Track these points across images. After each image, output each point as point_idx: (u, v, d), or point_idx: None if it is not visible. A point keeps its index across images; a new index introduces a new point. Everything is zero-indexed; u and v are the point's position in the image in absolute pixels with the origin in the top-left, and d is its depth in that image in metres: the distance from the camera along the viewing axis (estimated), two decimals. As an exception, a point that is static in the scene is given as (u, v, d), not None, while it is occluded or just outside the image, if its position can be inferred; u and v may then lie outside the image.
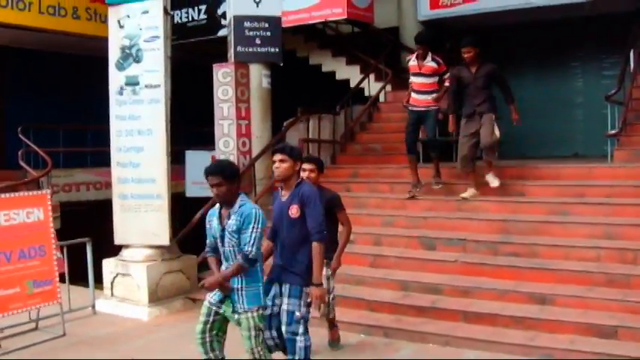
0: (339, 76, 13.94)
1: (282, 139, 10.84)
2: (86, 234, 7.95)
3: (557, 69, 15.21)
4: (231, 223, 4.61)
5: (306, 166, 5.76)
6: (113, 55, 8.13)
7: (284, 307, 5.01)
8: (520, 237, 7.70)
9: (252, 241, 4.55)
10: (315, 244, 4.93)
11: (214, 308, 4.78)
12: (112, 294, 8.21)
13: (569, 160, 11.29)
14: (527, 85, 15.36)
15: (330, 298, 6.08)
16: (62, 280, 7.39)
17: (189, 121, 13.58)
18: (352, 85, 13.28)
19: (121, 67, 8.05)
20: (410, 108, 9.24)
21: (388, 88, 13.00)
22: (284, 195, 5.10)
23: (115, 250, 8.44)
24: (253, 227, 4.56)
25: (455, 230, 8.06)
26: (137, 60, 7.97)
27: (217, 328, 4.84)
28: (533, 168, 9.31)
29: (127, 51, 8.00)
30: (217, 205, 4.82)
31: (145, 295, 7.86)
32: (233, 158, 9.49)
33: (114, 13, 8.16)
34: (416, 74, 9.12)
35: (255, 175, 9.74)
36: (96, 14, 13.31)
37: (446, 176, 9.22)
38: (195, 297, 8.22)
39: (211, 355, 4.85)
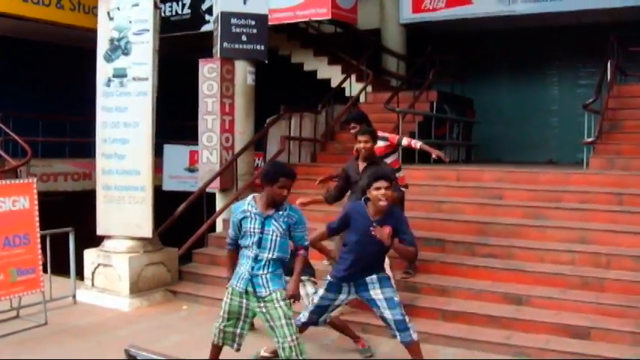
0: (320, 76, 14.06)
1: (265, 136, 10.95)
2: (63, 225, 7.93)
3: (533, 76, 15.53)
4: (282, 214, 4.95)
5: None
6: (102, 46, 8.12)
7: (380, 296, 5.35)
8: (497, 239, 7.89)
9: (307, 236, 5.12)
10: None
11: (244, 304, 5.00)
12: (93, 284, 8.22)
13: (545, 166, 11.51)
14: (503, 92, 15.69)
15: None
16: (43, 269, 7.41)
17: (167, 115, 13.62)
18: (333, 84, 13.43)
19: (109, 58, 8.05)
20: None
21: (369, 89, 13.19)
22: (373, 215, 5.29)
23: (93, 242, 8.44)
24: (305, 226, 5.08)
25: (434, 231, 8.20)
26: (126, 52, 7.99)
27: (247, 328, 5.17)
28: (511, 172, 9.51)
29: (116, 43, 8.01)
30: (247, 199, 5.08)
31: (126, 286, 7.89)
32: (216, 153, 9.57)
33: (104, 5, 8.14)
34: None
35: (238, 171, 9.81)
36: (80, 5, 13.30)
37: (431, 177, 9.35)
38: (175, 289, 8.29)
39: (237, 347, 5.16)
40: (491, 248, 7.72)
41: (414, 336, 5.28)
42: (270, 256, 4.92)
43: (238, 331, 5.10)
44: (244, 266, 4.98)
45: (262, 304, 4.93)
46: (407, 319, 5.30)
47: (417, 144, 7.45)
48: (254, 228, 4.93)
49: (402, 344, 5.36)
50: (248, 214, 4.97)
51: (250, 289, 4.93)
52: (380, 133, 7.05)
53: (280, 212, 4.96)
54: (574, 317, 6.37)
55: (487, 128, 14.50)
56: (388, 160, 7.19)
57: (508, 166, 11.01)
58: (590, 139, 9.62)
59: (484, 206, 8.62)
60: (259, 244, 4.92)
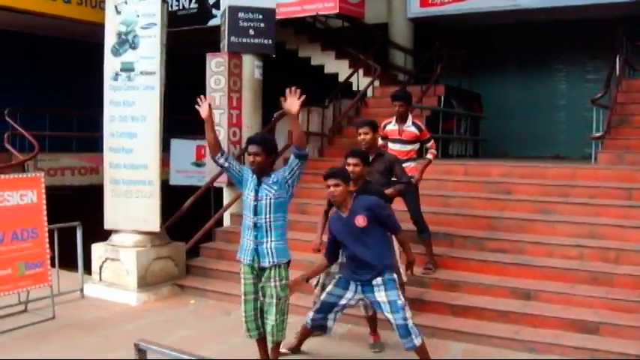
0: (327, 70, 14.03)
1: (272, 130, 10.92)
2: (70, 219, 7.94)
3: (541, 71, 15.46)
4: (271, 177, 5.08)
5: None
6: (109, 40, 8.11)
7: (384, 299, 5.28)
8: (505, 234, 7.87)
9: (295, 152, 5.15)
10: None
11: (256, 280, 5.15)
12: (100, 278, 8.24)
13: (553, 161, 11.47)
14: (511, 86, 15.63)
15: None
16: (51, 263, 7.41)
17: (174, 109, 13.63)
18: (340, 79, 13.39)
19: (116, 52, 8.05)
20: None
21: (376, 83, 13.14)
22: (344, 212, 5.32)
23: (100, 236, 8.46)
24: (291, 184, 5.17)
25: (442, 226, 8.16)
26: (133, 46, 7.98)
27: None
28: (518, 167, 9.47)
29: (124, 37, 8.01)
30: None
31: (133, 280, 7.90)
32: (223, 148, 9.54)
33: (111, -1, 8.16)
34: (394, 140, 7.50)
35: (245, 165, 9.78)
36: (87, -1, 13.28)
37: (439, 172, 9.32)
38: (183, 284, 8.29)
39: (261, 331, 5.23)
40: (499, 243, 7.70)
41: (417, 341, 5.19)
42: (267, 219, 5.08)
43: (258, 313, 5.20)
44: (247, 237, 5.16)
45: (263, 279, 5.11)
46: (410, 323, 5.21)
47: (432, 154, 7.63)
48: (249, 194, 5.11)
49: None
50: (249, 177, 5.18)
51: (256, 258, 5.09)
52: (417, 121, 7.56)
53: (272, 176, 5.11)
54: (583, 312, 6.35)
55: (494, 123, 14.45)
56: (409, 147, 7.40)
57: (516, 160, 10.97)
58: (598, 134, 9.58)
59: (492, 201, 8.59)
60: (255, 211, 5.09)
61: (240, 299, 5.31)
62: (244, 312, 5.22)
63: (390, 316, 5.25)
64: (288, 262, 5.23)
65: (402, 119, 7.44)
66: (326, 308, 5.54)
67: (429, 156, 7.63)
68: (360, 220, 5.24)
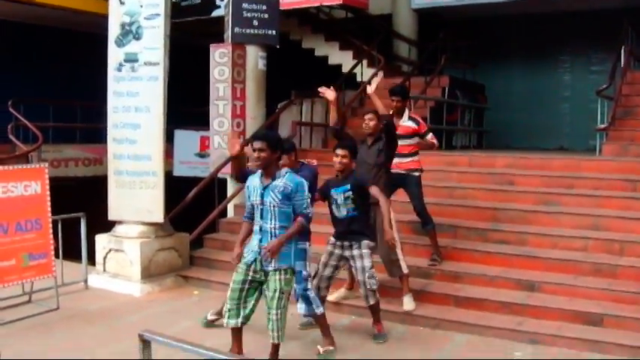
0: (331, 61, 14.02)
1: (276, 121, 10.92)
2: (74, 210, 7.95)
3: (545, 62, 15.42)
4: (278, 184, 5.00)
5: (339, 152, 6.04)
6: (113, 31, 8.10)
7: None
8: (509, 225, 7.87)
9: (309, 204, 5.15)
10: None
11: (251, 273, 5.13)
12: (104, 269, 8.25)
13: (557, 153, 11.46)
14: (515, 78, 15.60)
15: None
16: (55, 254, 7.42)
17: (177, 100, 13.64)
18: (344, 70, 13.37)
19: (120, 43, 8.03)
20: None
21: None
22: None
23: (103, 228, 8.46)
24: (305, 193, 5.10)
25: (446, 217, 8.16)
26: (137, 37, 7.96)
27: (252, 295, 5.22)
28: (523, 158, 9.46)
29: (127, 27, 7.98)
30: (258, 172, 5.17)
31: (137, 271, 7.91)
32: (227, 138, 9.55)
33: (115, -10, 8.14)
34: None
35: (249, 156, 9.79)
36: (90, -10, 13.24)
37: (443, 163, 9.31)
38: (186, 275, 8.31)
39: (242, 320, 5.23)
40: (503, 234, 7.70)
41: (317, 311, 5.73)
42: (271, 225, 5.05)
43: (242, 300, 5.18)
44: (254, 240, 5.17)
45: (266, 275, 5.10)
46: (311, 294, 5.74)
47: (433, 140, 7.58)
48: (256, 199, 5.10)
49: None
50: (252, 185, 5.16)
51: (258, 258, 5.09)
52: (414, 115, 7.53)
53: (276, 182, 5.03)
54: (587, 304, 6.34)
55: (499, 114, 14.42)
56: (408, 142, 7.33)
57: (520, 152, 10.96)
58: (603, 126, 9.58)
59: (496, 192, 8.59)
60: (261, 214, 5.09)
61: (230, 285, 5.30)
62: (229, 299, 5.21)
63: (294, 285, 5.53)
64: (292, 270, 5.19)
65: (399, 114, 7.38)
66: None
67: (433, 140, 7.55)
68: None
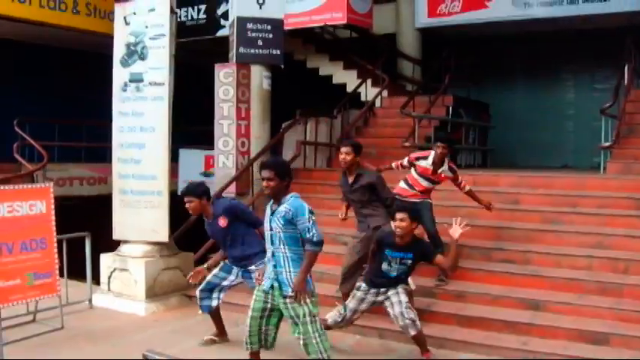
0: (335, 80, 14.07)
1: (281, 141, 10.95)
2: (79, 229, 7.96)
3: (549, 81, 15.44)
4: (281, 209, 4.97)
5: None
6: (118, 51, 8.17)
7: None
8: (513, 244, 7.85)
9: (312, 227, 4.96)
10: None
11: (270, 300, 5.10)
12: (109, 289, 8.25)
13: (561, 171, 11.45)
14: (519, 96, 15.62)
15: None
16: (60, 274, 7.43)
17: (182, 120, 13.70)
18: (349, 89, 13.42)
19: (125, 63, 8.10)
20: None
21: (384, 93, 13.18)
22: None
23: (108, 247, 8.49)
24: (308, 216, 4.97)
25: (450, 236, 8.13)
26: (142, 57, 8.02)
27: (273, 323, 5.23)
28: (527, 177, 9.46)
29: (132, 48, 8.06)
30: None
31: (142, 290, 7.91)
32: (232, 158, 9.59)
33: (120, 10, 8.20)
34: (424, 177, 7.49)
35: (254, 176, 9.80)
36: (95, 10, 13.36)
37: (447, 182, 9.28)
38: (191, 294, 8.26)
39: (261, 344, 5.24)
40: (507, 253, 7.68)
41: None
42: (282, 250, 5.02)
43: (263, 328, 5.18)
44: (269, 267, 5.13)
45: (287, 300, 5.01)
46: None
47: (466, 184, 7.71)
48: (266, 225, 5.12)
49: None
50: (266, 211, 5.16)
51: (276, 284, 5.04)
52: (452, 165, 7.64)
53: (280, 207, 5.01)
54: (592, 323, 6.32)
55: (503, 133, 14.44)
56: (433, 185, 7.59)
57: (524, 170, 10.95)
58: (607, 144, 9.58)
59: (500, 211, 8.54)
60: (271, 240, 5.08)
61: (248, 311, 5.29)
62: (249, 326, 5.20)
63: None
64: (312, 293, 5.12)
65: (440, 161, 7.40)
66: (209, 288, 6.40)
67: (466, 186, 7.70)
68: (222, 222, 6.19)
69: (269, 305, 5.12)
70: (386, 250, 5.96)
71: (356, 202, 6.80)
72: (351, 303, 6.11)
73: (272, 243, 5.06)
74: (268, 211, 5.10)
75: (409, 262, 5.96)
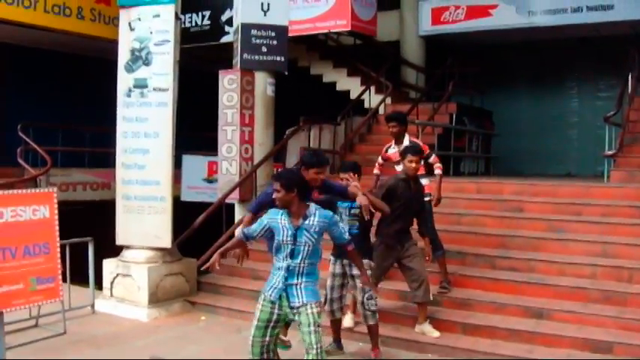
0: (339, 87, 14.09)
1: (284, 147, 10.95)
2: (82, 234, 7.95)
3: (553, 89, 15.45)
4: (312, 223, 4.92)
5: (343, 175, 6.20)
6: (122, 56, 8.17)
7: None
8: (518, 252, 7.85)
9: (345, 230, 5.27)
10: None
11: (276, 311, 5.00)
12: (112, 294, 8.24)
13: (565, 179, 11.44)
14: (522, 104, 15.63)
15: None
16: (62, 279, 7.41)
17: (186, 126, 13.70)
18: (352, 96, 13.44)
19: (130, 69, 8.10)
20: None
21: (388, 100, 13.18)
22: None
23: (111, 252, 8.47)
24: (340, 223, 5.27)
25: (454, 244, 8.12)
26: (146, 63, 8.02)
27: (276, 332, 5.13)
28: (531, 185, 9.45)
29: (137, 53, 8.06)
30: (281, 210, 5.03)
31: (145, 296, 7.90)
32: (235, 164, 9.58)
33: (125, 16, 8.19)
34: (398, 162, 7.27)
35: (257, 182, 9.81)
36: (100, 15, 13.35)
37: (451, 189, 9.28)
38: (194, 300, 8.29)
39: (265, 356, 5.10)
40: (511, 261, 7.67)
41: None
42: (302, 264, 4.96)
43: (267, 339, 5.08)
44: (277, 277, 5.01)
45: (295, 310, 4.97)
46: None
47: (439, 167, 7.48)
48: (286, 239, 4.93)
49: None
50: (280, 224, 4.97)
51: (284, 295, 4.98)
52: (414, 140, 7.44)
53: (309, 221, 4.93)
54: (596, 332, 6.30)
55: (506, 141, 14.45)
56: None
57: (528, 178, 10.95)
58: (610, 152, 9.57)
59: (504, 219, 8.57)
60: (292, 254, 4.94)
61: (253, 321, 5.23)
62: (253, 336, 5.13)
63: None
64: (319, 303, 5.09)
65: (399, 140, 7.41)
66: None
67: (437, 171, 7.48)
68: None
69: (274, 317, 5.06)
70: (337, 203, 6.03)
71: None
72: (327, 281, 6.22)
73: (292, 257, 4.95)
74: (288, 225, 4.94)
75: (356, 211, 5.96)
